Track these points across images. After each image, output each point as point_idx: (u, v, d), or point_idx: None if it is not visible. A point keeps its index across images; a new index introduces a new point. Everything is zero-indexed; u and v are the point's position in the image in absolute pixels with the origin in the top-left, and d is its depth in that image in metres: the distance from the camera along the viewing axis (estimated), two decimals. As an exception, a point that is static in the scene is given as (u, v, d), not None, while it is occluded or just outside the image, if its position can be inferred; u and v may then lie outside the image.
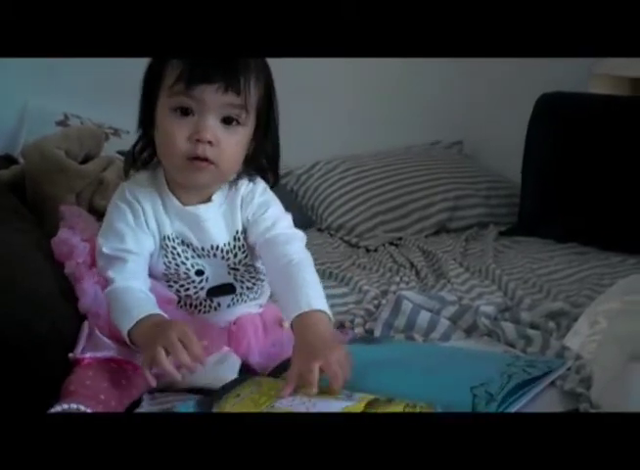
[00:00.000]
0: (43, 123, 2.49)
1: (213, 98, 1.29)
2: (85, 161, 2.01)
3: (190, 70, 1.28)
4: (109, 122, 2.57)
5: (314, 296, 1.29)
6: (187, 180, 1.37)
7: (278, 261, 1.37)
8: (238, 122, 1.34)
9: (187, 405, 1.21)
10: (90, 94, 2.58)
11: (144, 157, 1.43)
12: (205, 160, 1.32)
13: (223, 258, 1.43)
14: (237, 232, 1.43)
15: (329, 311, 1.29)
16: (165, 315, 1.32)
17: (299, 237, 1.44)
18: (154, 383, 1.25)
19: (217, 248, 1.42)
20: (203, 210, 1.41)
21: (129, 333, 1.29)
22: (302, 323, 1.26)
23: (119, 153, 2.13)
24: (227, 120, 1.33)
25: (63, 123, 2.56)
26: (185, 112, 1.31)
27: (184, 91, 1.29)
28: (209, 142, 1.31)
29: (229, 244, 1.43)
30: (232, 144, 1.34)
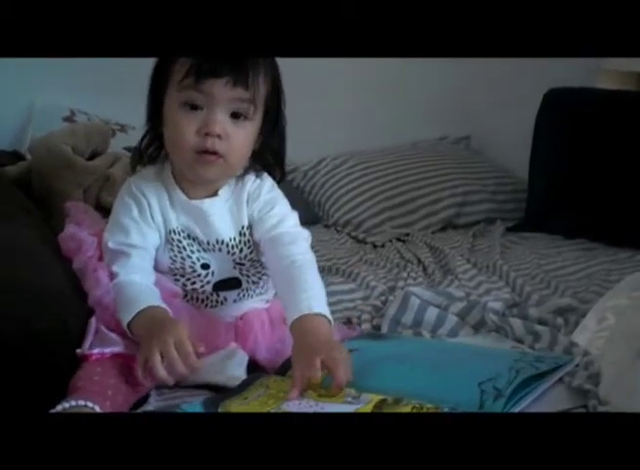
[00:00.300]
0: (50, 120, 2.49)
1: (222, 92, 1.30)
2: (92, 157, 2.02)
3: (199, 64, 1.29)
4: (115, 119, 2.57)
5: (315, 299, 1.29)
6: (196, 174, 1.37)
7: (281, 262, 1.37)
8: (246, 117, 1.34)
9: (193, 406, 1.20)
10: (97, 90, 2.58)
11: (151, 152, 1.43)
12: (215, 153, 1.32)
13: (229, 252, 1.43)
14: (243, 227, 1.43)
15: (329, 316, 1.29)
16: (167, 308, 1.32)
17: (304, 237, 1.43)
18: (147, 384, 1.26)
19: (222, 242, 1.42)
20: (208, 204, 1.41)
21: (129, 325, 1.30)
22: (302, 326, 1.26)
23: (126, 149, 2.13)
24: (235, 115, 1.33)
25: (69, 119, 2.57)
26: (194, 106, 1.31)
27: (193, 85, 1.30)
28: (218, 136, 1.31)
29: (234, 239, 1.43)
30: (240, 138, 1.34)
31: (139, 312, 1.29)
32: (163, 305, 1.32)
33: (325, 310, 1.29)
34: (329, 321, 1.29)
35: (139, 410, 1.26)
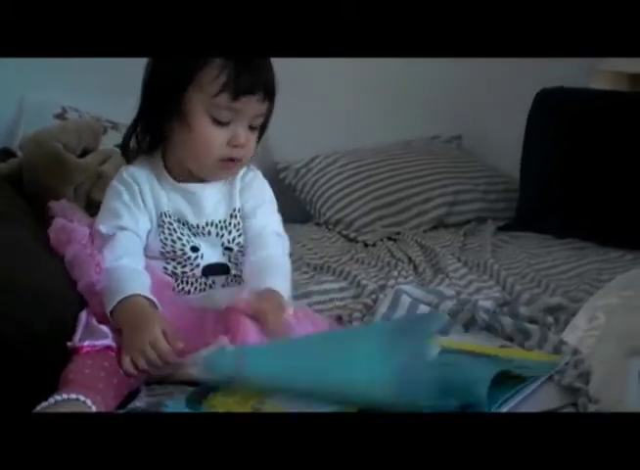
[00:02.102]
0: (41, 116, 2.48)
1: (251, 108, 1.41)
2: (83, 154, 2.01)
3: (235, 80, 1.37)
4: (107, 116, 2.56)
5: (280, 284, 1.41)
6: (213, 177, 1.49)
7: (256, 263, 1.48)
8: (257, 127, 1.46)
9: (176, 403, 1.20)
10: (88, 87, 2.57)
11: (147, 144, 1.49)
12: (238, 160, 1.45)
13: (217, 234, 1.49)
14: (234, 210, 1.51)
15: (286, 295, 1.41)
16: (149, 296, 1.35)
17: (284, 242, 1.55)
18: (134, 373, 1.29)
19: (212, 224, 1.48)
20: (200, 187, 1.48)
21: (111, 314, 1.33)
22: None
23: (118, 146, 2.13)
24: (251, 127, 1.44)
25: (61, 117, 2.55)
26: (224, 122, 1.40)
27: (228, 104, 1.38)
28: (242, 146, 1.42)
29: (224, 221, 1.50)
30: (253, 143, 1.46)
31: (119, 302, 1.32)
32: (145, 293, 1.35)
33: (284, 291, 1.41)
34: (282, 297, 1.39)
35: (129, 406, 1.26)
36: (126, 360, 1.28)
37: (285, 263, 1.52)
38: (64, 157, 1.90)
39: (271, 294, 1.38)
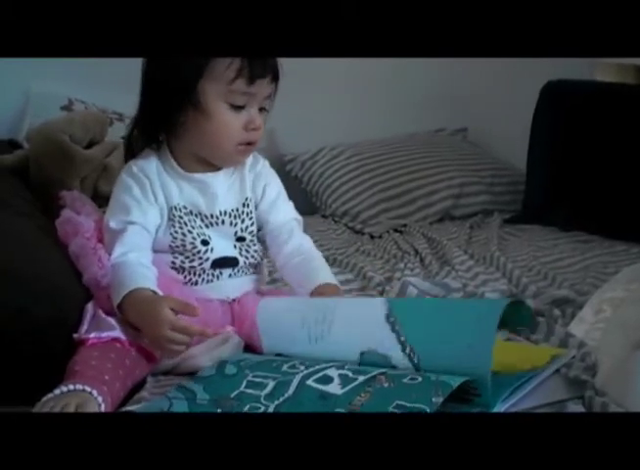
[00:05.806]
0: (48, 108, 2.48)
1: (263, 90, 1.43)
2: (90, 146, 2.01)
3: (249, 65, 1.39)
4: (113, 108, 2.56)
5: (325, 272, 1.52)
6: (231, 163, 1.51)
7: (289, 258, 1.53)
8: (266, 109, 1.48)
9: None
10: (95, 79, 2.57)
11: (156, 138, 1.49)
12: (252, 143, 1.47)
13: (231, 223, 1.50)
14: (246, 199, 1.52)
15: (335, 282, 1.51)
16: (155, 289, 1.34)
17: (300, 222, 1.59)
18: (179, 352, 1.32)
19: (225, 213, 1.50)
20: (212, 177, 1.49)
21: (119, 309, 1.32)
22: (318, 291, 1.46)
23: (124, 138, 2.13)
24: (262, 108, 1.47)
25: (67, 108, 2.56)
26: (240, 107, 1.42)
27: (245, 88, 1.40)
28: (259, 128, 1.45)
29: (237, 209, 1.51)
30: (263, 127, 1.47)
31: (125, 297, 1.31)
32: (150, 286, 1.34)
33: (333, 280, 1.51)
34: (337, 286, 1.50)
35: (135, 396, 1.26)
36: (159, 354, 1.32)
37: (318, 252, 1.59)
38: (70, 149, 1.91)
39: (335, 289, 1.48)
